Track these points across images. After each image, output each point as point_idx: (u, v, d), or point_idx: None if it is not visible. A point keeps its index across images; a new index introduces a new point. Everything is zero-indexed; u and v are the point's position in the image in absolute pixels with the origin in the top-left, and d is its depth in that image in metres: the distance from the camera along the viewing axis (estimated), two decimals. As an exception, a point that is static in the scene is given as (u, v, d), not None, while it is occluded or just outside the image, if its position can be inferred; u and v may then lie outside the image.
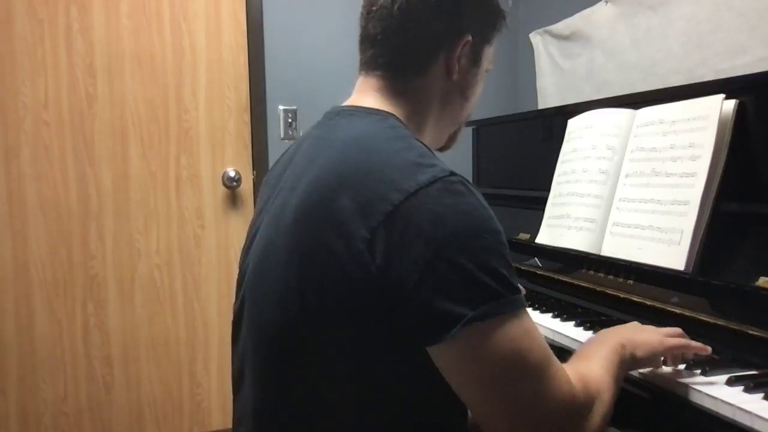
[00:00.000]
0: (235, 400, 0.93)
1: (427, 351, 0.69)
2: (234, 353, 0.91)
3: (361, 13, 0.86)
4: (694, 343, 0.89)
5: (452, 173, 0.70)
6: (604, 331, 0.94)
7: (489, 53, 0.91)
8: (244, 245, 0.92)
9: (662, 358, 0.90)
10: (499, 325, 0.66)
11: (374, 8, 0.83)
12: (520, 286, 0.71)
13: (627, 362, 0.84)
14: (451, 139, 0.96)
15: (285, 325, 0.75)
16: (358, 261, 0.67)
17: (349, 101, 0.87)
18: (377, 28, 0.83)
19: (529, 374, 0.67)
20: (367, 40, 0.85)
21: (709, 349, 0.89)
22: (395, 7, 0.81)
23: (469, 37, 0.84)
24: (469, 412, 0.86)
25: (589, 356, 0.82)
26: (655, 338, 0.88)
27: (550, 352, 0.71)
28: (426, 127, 0.87)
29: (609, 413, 0.75)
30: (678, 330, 0.93)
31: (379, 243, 0.66)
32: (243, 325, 0.86)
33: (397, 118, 0.81)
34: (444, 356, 0.68)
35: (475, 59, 0.87)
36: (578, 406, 0.71)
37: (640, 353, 0.86)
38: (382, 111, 0.82)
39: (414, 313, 0.67)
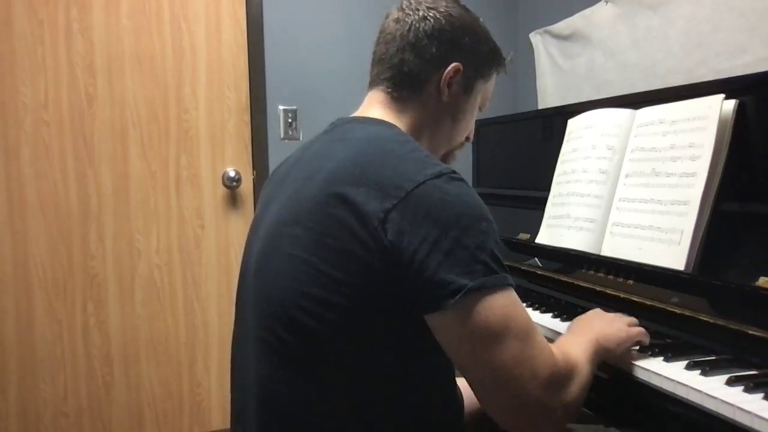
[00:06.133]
0: (233, 393, 0.97)
1: (427, 329, 0.79)
2: (234, 340, 0.97)
3: (376, 40, 1.02)
4: (644, 332, 1.00)
5: (454, 171, 0.82)
6: (577, 322, 1.01)
7: (485, 89, 1.04)
8: (248, 236, 1.00)
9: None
10: (492, 295, 0.77)
11: (382, 34, 0.99)
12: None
13: (600, 353, 0.92)
14: (444, 161, 1.05)
15: (297, 296, 0.81)
16: (373, 235, 0.77)
17: (357, 113, 0.99)
18: (383, 49, 0.98)
19: (516, 336, 0.77)
20: (375, 60, 1.00)
21: (647, 341, 0.99)
22: (398, 33, 0.96)
23: (460, 66, 0.96)
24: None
25: (567, 341, 0.93)
26: (624, 330, 0.98)
27: (535, 324, 0.81)
28: (422, 141, 0.97)
29: (586, 387, 0.84)
30: (635, 320, 1.02)
31: (391, 222, 0.76)
32: (246, 307, 0.92)
33: (399, 129, 0.94)
34: (443, 322, 0.77)
35: (467, 88, 1.00)
36: (558, 373, 0.79)
37: (611, 345, 0.95)
38: (387, 122, 0.95)
39: (420, 284, 0.76)
